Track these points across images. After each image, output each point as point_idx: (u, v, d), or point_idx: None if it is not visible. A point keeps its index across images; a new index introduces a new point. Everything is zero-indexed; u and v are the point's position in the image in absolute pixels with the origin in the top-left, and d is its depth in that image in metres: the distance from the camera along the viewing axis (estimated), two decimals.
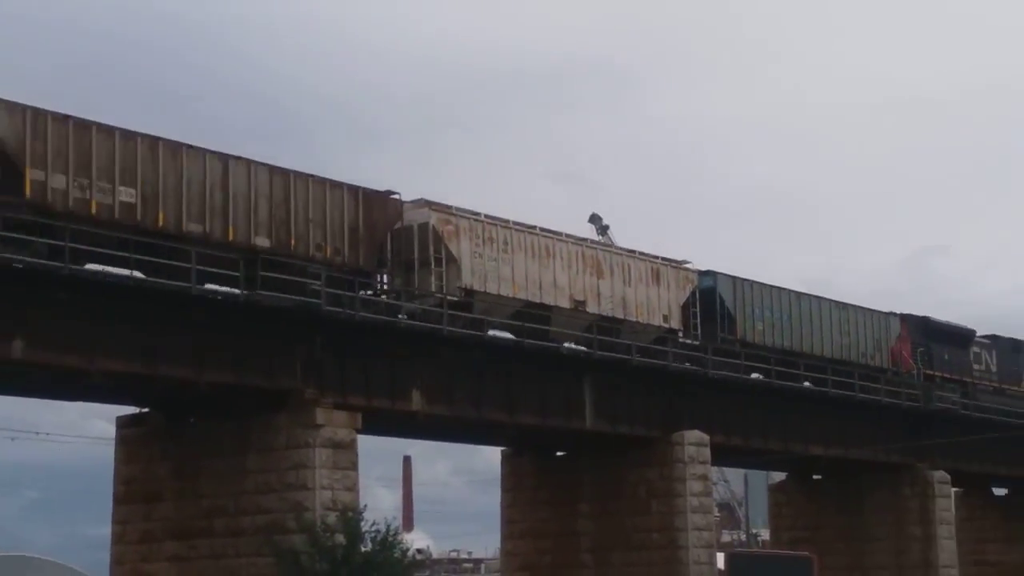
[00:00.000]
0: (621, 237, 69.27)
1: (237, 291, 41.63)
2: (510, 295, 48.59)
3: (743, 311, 57.73)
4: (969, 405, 68.98)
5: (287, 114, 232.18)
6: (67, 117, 37.92)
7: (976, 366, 73.00)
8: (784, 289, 60.72)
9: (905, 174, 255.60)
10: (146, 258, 39.42)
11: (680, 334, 55.60)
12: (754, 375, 59.48)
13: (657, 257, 54.96)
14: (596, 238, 63.22)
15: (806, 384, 61.55)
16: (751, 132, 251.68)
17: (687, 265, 56.21)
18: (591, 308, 51.60)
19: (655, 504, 56.46)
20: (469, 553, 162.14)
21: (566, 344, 52.00)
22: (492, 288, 47.71)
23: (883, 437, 66.36)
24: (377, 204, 45.30)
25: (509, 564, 61.43)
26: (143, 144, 39.40)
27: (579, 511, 58.44)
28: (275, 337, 43.99)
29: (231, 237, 41.13)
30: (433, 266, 46.07)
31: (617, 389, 55.39)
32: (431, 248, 46.18)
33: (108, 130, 38.70)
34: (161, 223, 39.44)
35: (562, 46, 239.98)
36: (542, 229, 50.36)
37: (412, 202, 46.75)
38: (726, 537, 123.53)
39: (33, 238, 37.04)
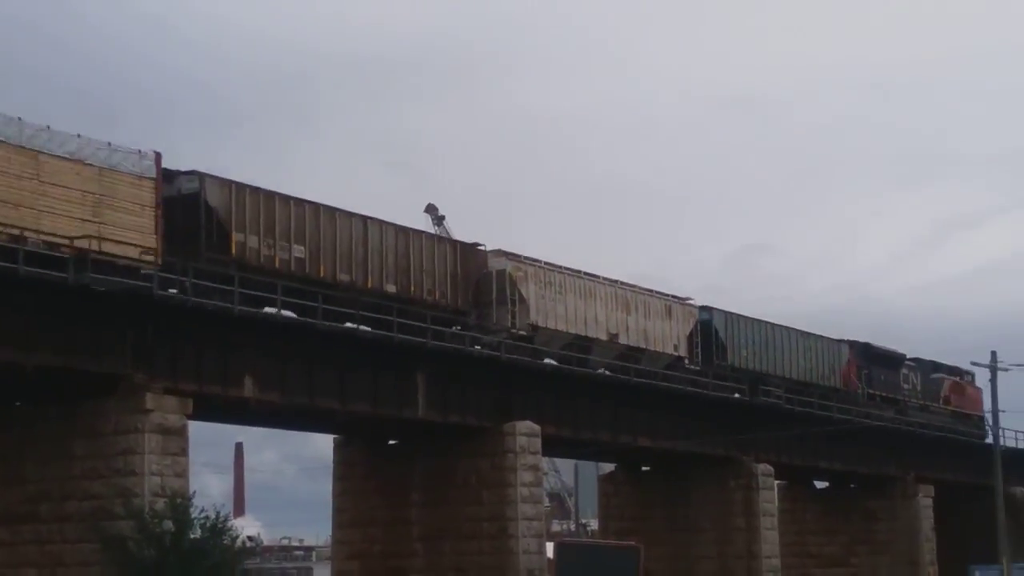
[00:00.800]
0: (457, 229, 69.54)
1: (65, 275, 40.99)
2: (564, 330, 58.22)
3: (732, 341, 67.40)
4: (793, 400, 70.70)
5: (126, 101, 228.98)
6: (257, 189, 46.86)
7: (905, 385, 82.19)
8: (761, 321, 70.36)
9: (732, 173, 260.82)
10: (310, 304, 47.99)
11: (686, 361, 64.78)
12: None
13: (667, 295, 64.38)
14: (432, 229, 63.52)
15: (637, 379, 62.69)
16: (585, 127, 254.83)
17: (690, 301, 65.68)
18: (622, 340, 60.82)
19: (486, 494, 56.87)
20: (300, 541, 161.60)
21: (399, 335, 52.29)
22: (551, 324, 57.70)
23: (710, 431, 67.69)
24: (470, 254, 55.75)
25: (340, 552, 61.42)
26: (309, 209, 48.72)
27: (410, 500, 58.64)
28: (106, 322, 43.37)
29: (369, 284, 50.56)
30: (508, 306, 55.55)
31: (450, 379, 55.72)
32: (507, 291, 55.68)
33: (284, 198, 47.95)
34: (322, 274, 48.85)
35: (399, 37, 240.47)
36: (586, 273, 59.85)
37: (492, 251, 56.60)
38: (556, 527, 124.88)
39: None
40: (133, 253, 42.07)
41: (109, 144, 42.16)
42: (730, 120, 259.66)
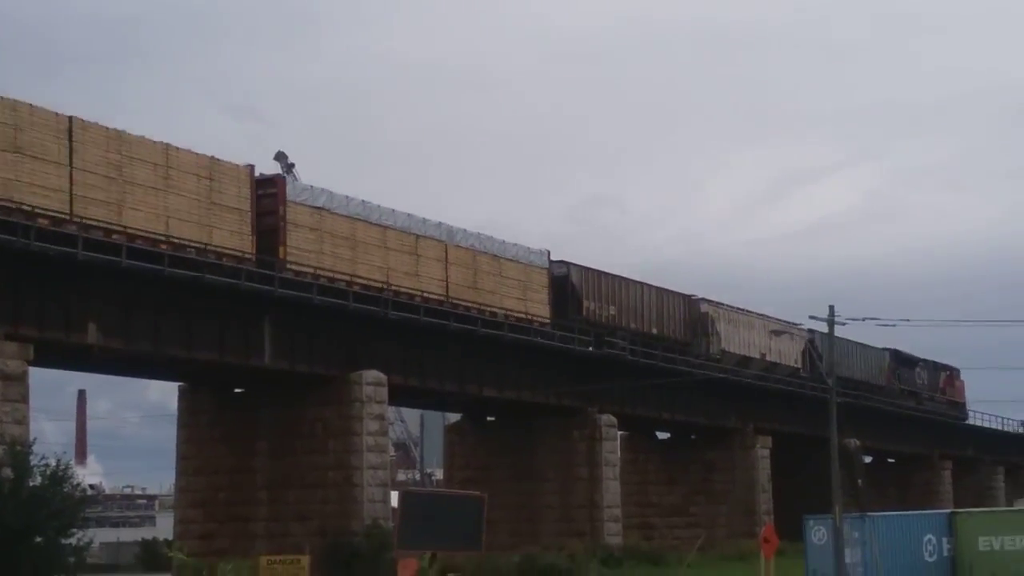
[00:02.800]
0: (306, 175, 69.18)
1: None
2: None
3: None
4: (636, 352, 71.77)
5: None
6: (600, 272, 71.37)
7: (918, 381, 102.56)
8: (618, 276, 73.35)
9: (578, 125, 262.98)
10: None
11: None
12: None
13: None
14: (281, 172, 63.15)
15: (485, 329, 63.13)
16: (432, 74, 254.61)
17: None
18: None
19: (332, 443, 57.09)
20: (143, 489, 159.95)
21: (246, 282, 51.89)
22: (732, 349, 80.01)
23: (555, 382, 68.55)
24: (689, 303, 78.25)
25: (183, 500, 61.12)
26: (630, 284, 73.70)
27: (256, 448, 58.61)
28: None
29: (655, 331, 74.39)
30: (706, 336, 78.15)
31: (298, 328, 55.69)
32: (708, 326, 78.15)
33: (611, 276, 72.14)
34: (634, 326, 72.51)
35: None
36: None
37: (696, 298, 78.43)
38: (401, 476, 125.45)
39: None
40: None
41: (527, 248, 67.01)
42: (576, 73, 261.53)
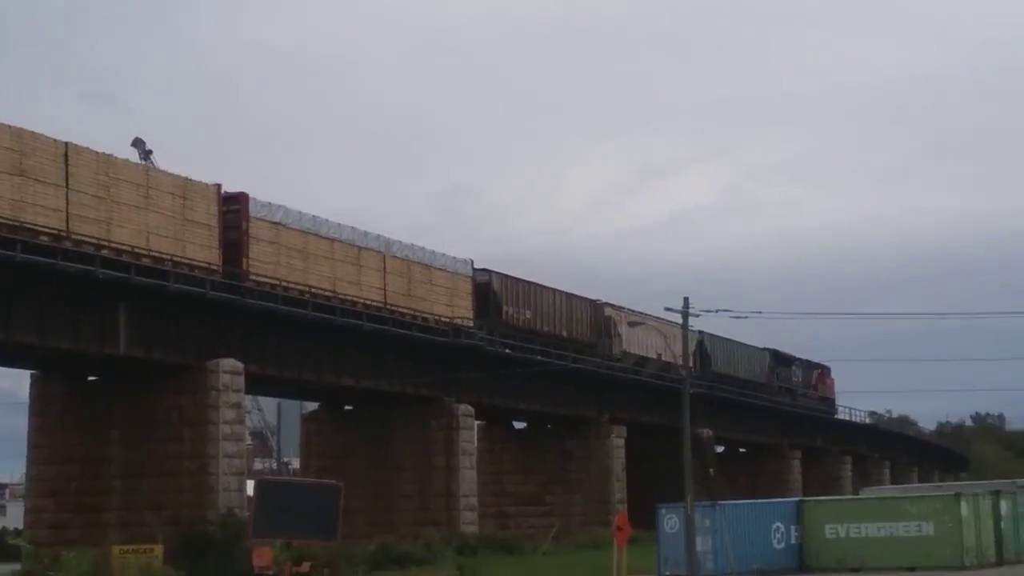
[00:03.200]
0: (165, 162, 68.41)
1: None
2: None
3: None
4: (495, 342, 72.30)
5: None
6: (518, 279, 76.66)
7: (793, 379, 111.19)
8: (534, 283, 78.14)
9: (438, 115, 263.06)
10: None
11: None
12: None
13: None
14: (139, 161, 62.31)
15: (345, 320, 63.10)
16: (291, 61, 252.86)
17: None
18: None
19: (187, 431, 56.62)
20: None
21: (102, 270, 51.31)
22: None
23: (413, 371, 68.76)
24: (594, 307, 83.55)
25: (35, 490, 60.15)
26: (544, 290, 78.55)
27: (109, 437, 57.90)
28: None
29: (565, 334, 79.29)
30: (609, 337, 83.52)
31: (154, 316, 55.14)
32: (611, 329, 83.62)
33: (527, 283, 77.14)
34: (547, 329, 77.73)
35: None
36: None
37: (601, 302, 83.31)
38: (258, 465, 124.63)
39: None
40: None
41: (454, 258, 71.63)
42: (438, 63, 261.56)
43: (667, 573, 49.05)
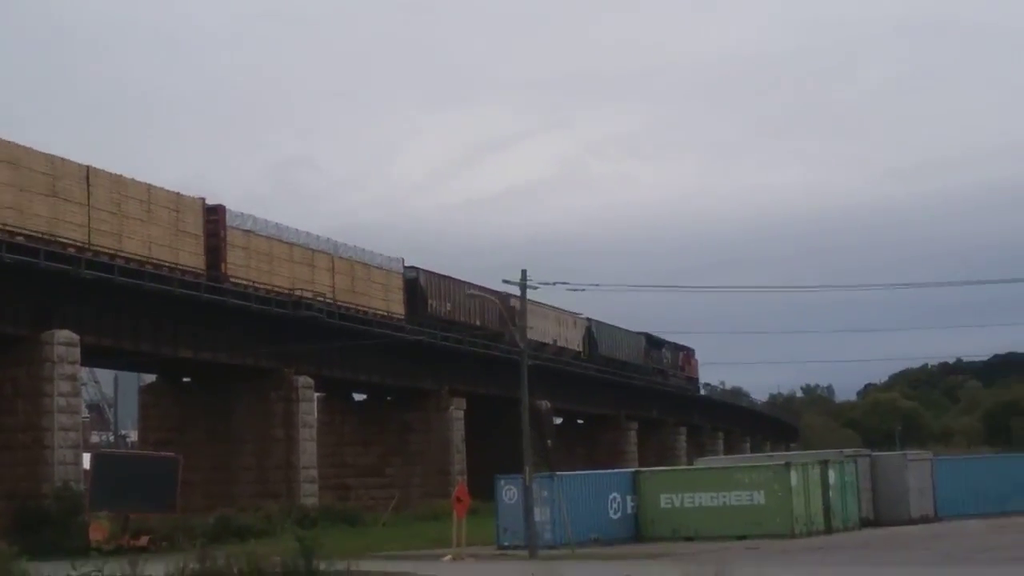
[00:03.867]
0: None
1: None
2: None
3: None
4: (333, 314, 72.19)
5: None
6: (441, 275, 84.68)
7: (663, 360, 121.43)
8: (455, 279, 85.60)
9: (272, 86, 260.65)
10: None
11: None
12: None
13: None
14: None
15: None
16: (124, 28, 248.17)
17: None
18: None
19: (21, 404, 55.72)
20: None
21: None
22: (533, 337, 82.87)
23: (252, 344, 68.40)
24: (501, 298, 78.07)
25: None
26: (462, 284, 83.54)
27: None
28: None
29: (479, 323, 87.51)
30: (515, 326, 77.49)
31: None
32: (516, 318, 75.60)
33: (449, 278, 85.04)
34: (464, 319, 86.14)
35: None
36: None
37: (505, 294, 74.25)
38: (95, 438, 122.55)
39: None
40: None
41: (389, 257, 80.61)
42: (274, 32, 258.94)
43: (506, 543, 49.52)
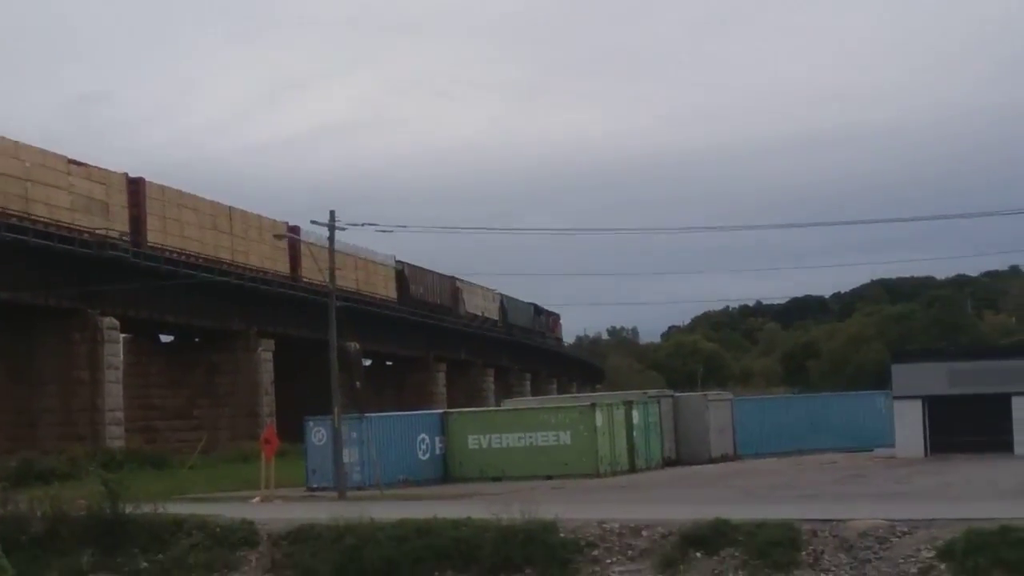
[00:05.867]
0: None
1: None
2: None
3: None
4: (139, 254, 71.06)
5: None
6: (420, 267, 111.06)
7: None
8: (431, 271, 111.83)
9: (67, 19, 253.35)
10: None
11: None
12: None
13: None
14: None
15: None
16: None
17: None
18: None
19: None
20: None
21: None
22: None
23: (56, 283, 67.03)
24: (451, 282, 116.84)
25: None
26: (432, 273, 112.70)
27: None
28: None
29: (440, 302, 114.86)
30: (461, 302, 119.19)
31: None
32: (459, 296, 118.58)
33: (423, 269, 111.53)
34: (433, 300, 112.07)
35: None
36: None
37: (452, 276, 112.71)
38: None
39: None
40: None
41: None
42: None
43: (315, 485, 49.78)
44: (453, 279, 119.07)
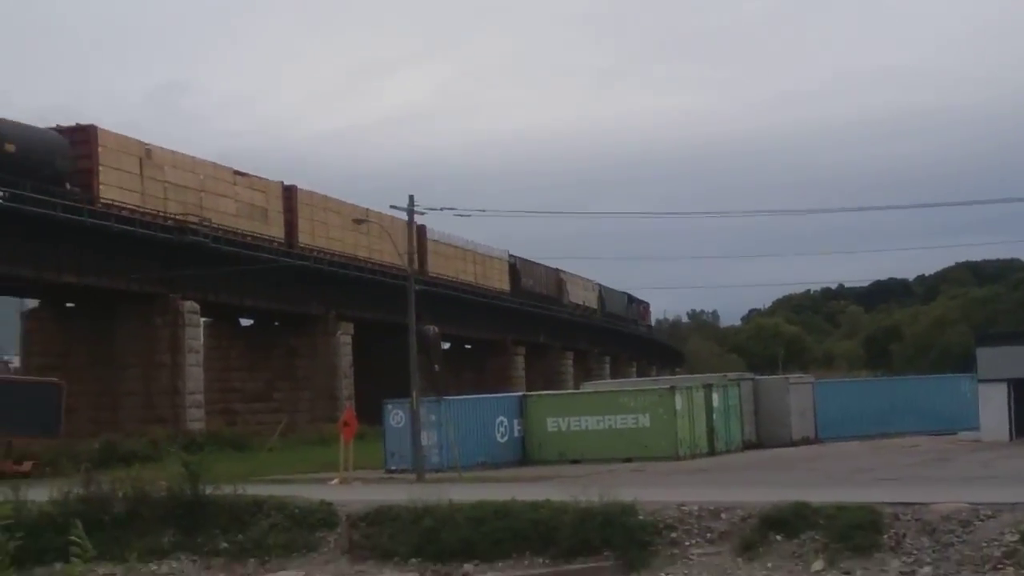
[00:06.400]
0: None
1: None
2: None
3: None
4: (219, 239, 71.57)
5: None
6: (531, 261, 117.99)
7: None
8: (541, 264, 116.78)
9: (148, 6, 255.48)
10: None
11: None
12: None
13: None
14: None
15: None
16: None
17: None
18: None
19: None
20: None
21: None
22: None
23: (138, 268, 67.64)
24: (553, 272, 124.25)
25: None
26: (537, 266, 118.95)
27: None
28: None
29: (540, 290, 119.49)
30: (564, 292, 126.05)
31: None
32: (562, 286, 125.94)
33: (536, 264, 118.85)
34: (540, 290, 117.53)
35: None
36: None
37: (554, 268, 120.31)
38: None
39: None
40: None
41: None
42: None
43: (393, 467, 49.84)
44: (558, 271, 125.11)
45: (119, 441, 58.99)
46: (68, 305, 73.12)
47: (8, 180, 58.52)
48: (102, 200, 64.30)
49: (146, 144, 68.39)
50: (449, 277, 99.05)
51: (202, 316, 74.15)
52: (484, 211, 56.35)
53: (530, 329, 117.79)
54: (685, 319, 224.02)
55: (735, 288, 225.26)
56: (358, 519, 33.16)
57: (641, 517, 29.88)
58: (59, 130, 63.71)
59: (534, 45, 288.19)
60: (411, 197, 50.28)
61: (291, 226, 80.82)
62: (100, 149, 64.78)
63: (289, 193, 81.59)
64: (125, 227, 64.79)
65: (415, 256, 52.22)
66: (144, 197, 66.93)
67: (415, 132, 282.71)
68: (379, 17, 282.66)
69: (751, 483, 38.08)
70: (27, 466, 50.66)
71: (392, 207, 51.92)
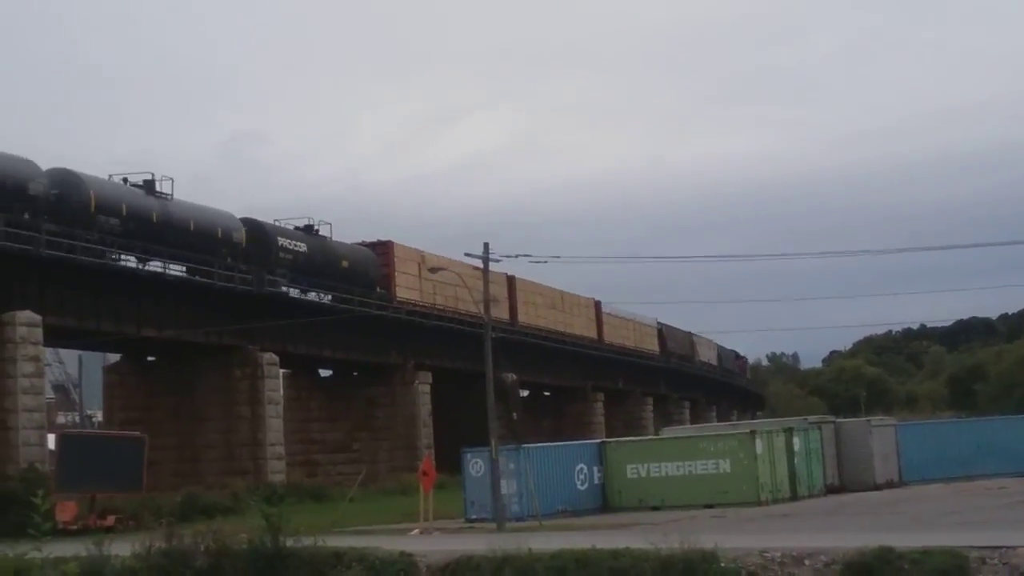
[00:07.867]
0: None
1: None
2: None
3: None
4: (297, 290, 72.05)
5: None
6: (672, 327, 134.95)
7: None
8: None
9: (220, 59, 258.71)
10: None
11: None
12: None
13: None
14: None
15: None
16: (61, 6, 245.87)
17: None
18: None
19: None
20: None
21: None
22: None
23: (215, 320, 68.18)
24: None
25: None
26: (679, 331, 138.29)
27: None
28: None
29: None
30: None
31: None
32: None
33: (675, 328, 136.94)
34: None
35: None
36: None
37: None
38: (61, 419, 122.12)
39: None
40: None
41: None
42: (214, 5, 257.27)
43: (473, 516, 49.64)
44: (689, 334, 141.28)
45: (200, 494, 59.32)
46: (149, 359, 73.77)
47: (343, 288, 76.17)
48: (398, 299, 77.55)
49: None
50: (538, 327, 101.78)
51: (281, 367, 74.49)
52: (559, 257, 56.35)
53: (608, 375, 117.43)
54: (765, 362, 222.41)
55: (815, 330, 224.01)
56: (438, 570, 32.97)
57: (723, 564, 29.49)
58: (364, 245, 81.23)
59: (602, 89, 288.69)
60: (486, 244, 50.27)
61: (513, 310, 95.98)
62: (395, 259, 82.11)
63: (511, 282, 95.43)
64: (204, 280, 65.43)
65: (489, 303, 52.16)
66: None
67: (487, 178, 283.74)
68: (450, 66, 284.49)
69: (834, 528, 37.53)
70: (110, 520, 50.95)
71: (467, 255, 51.98)
